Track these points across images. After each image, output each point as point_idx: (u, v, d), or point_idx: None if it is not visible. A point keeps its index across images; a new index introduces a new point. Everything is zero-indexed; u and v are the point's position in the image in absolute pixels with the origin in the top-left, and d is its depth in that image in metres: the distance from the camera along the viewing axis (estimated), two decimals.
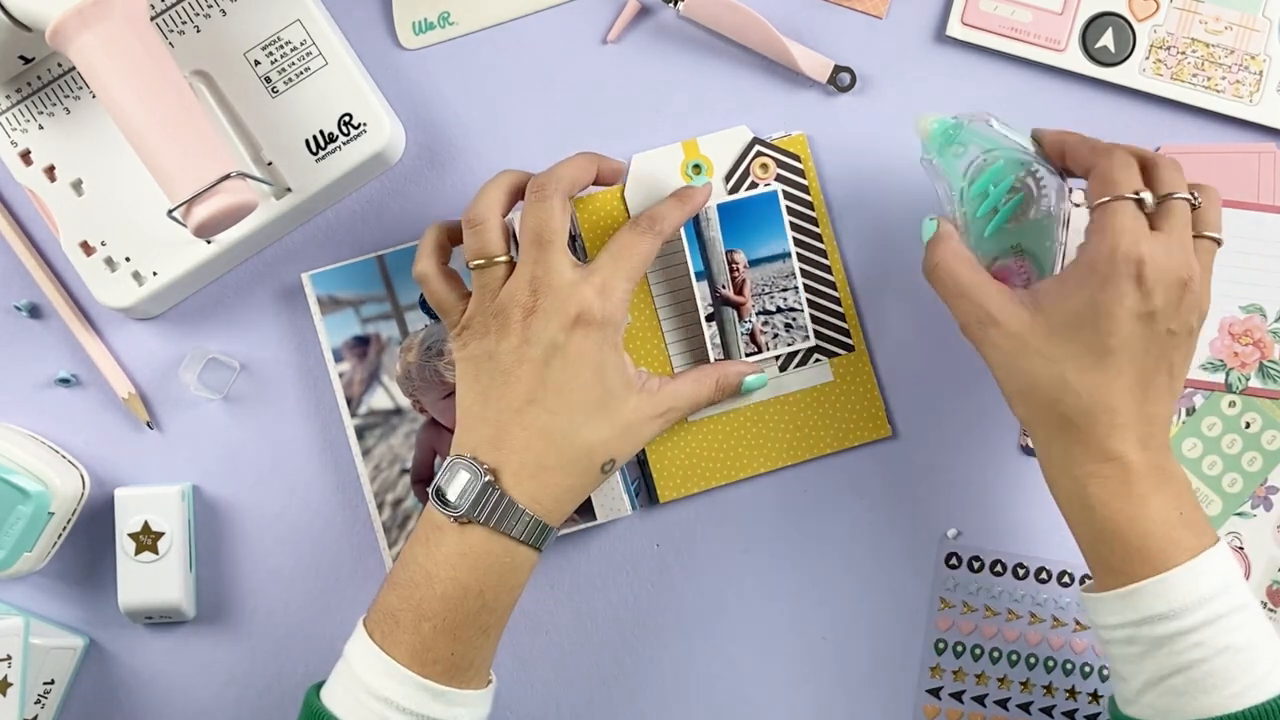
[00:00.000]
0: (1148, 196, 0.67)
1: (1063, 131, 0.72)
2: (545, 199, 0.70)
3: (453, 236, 0.74)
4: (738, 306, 0.77)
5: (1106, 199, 0.67)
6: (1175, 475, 0.67)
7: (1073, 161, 0.71)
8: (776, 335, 0.79)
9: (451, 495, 0.68)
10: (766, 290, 0.79)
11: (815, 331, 0.80)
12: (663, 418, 0.74)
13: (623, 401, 0.71)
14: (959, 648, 0.79)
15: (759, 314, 0.78)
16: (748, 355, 0.78)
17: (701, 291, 0.78)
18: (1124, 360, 0.66)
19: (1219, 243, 0.69)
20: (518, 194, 0.73)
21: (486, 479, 0.68)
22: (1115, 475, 0.66)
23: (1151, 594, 0.64)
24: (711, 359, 0.78)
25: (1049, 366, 0.66)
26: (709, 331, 0.78)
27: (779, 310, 0.79)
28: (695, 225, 0.77)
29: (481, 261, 0.70)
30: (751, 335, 0.78)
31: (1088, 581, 0.70)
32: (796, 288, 0.78)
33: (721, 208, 0.78)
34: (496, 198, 0.72)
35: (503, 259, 0.70)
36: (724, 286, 0.78)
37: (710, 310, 0.78)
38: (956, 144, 0.72)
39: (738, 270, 0.77)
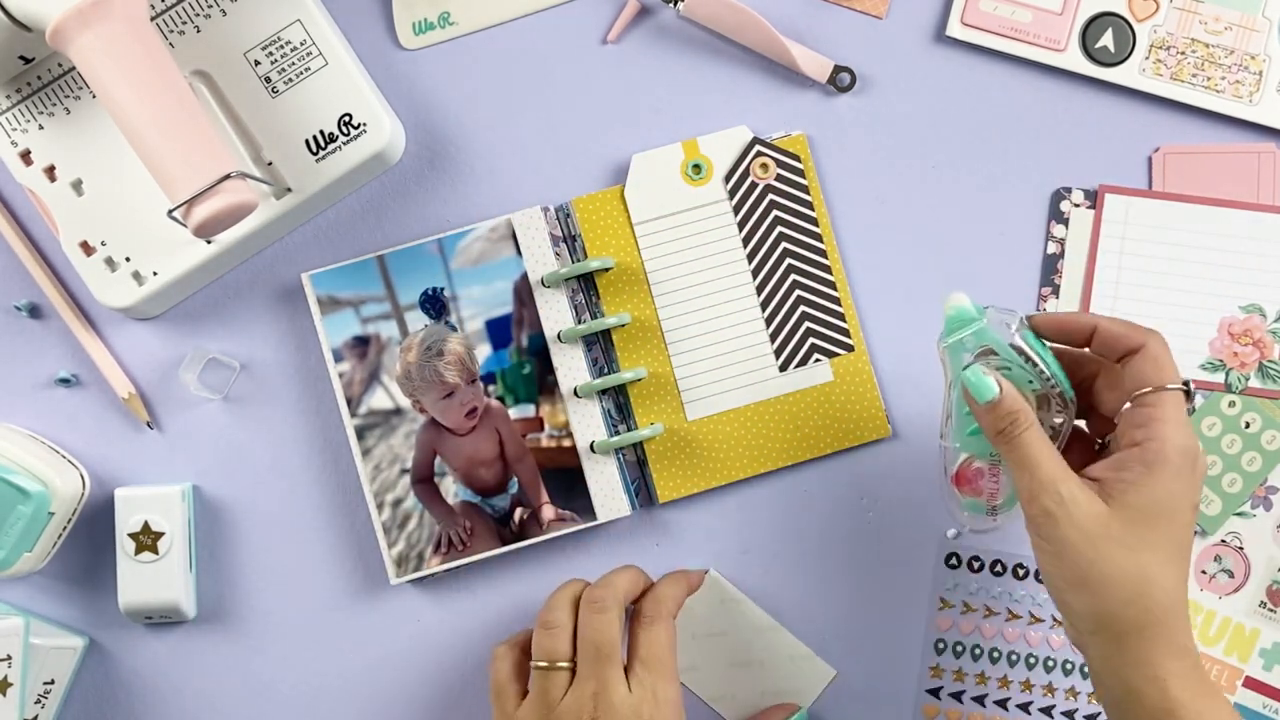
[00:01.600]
0: (1190, 386, 0.66)
1: (1084, 316, 0.68)
2: (603, 611, 0.71)
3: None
4: None
5: (1164, 387, 0.65)
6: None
7: (1107, 341, 0.67)
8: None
9: None
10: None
11: (815, 331, 0.80)
12: None
13: None
14: (959, 648, 0.79)
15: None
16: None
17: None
18: (1187, 549, 0.65)
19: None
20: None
21: None
22: (1193, 673, 0.63)
23: None
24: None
25: (1131, 556, 0.63)
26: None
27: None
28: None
29: (545, 664, 0.71)
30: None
31: None
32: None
33: None
34: (569, 604, 0.73)
35: (566, 665, 0.71)
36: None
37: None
38: (971, 341, 0.67)
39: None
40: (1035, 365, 0.66)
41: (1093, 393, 0.69)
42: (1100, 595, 0.63)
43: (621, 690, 0.70)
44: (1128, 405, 0.65)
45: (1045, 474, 0.64)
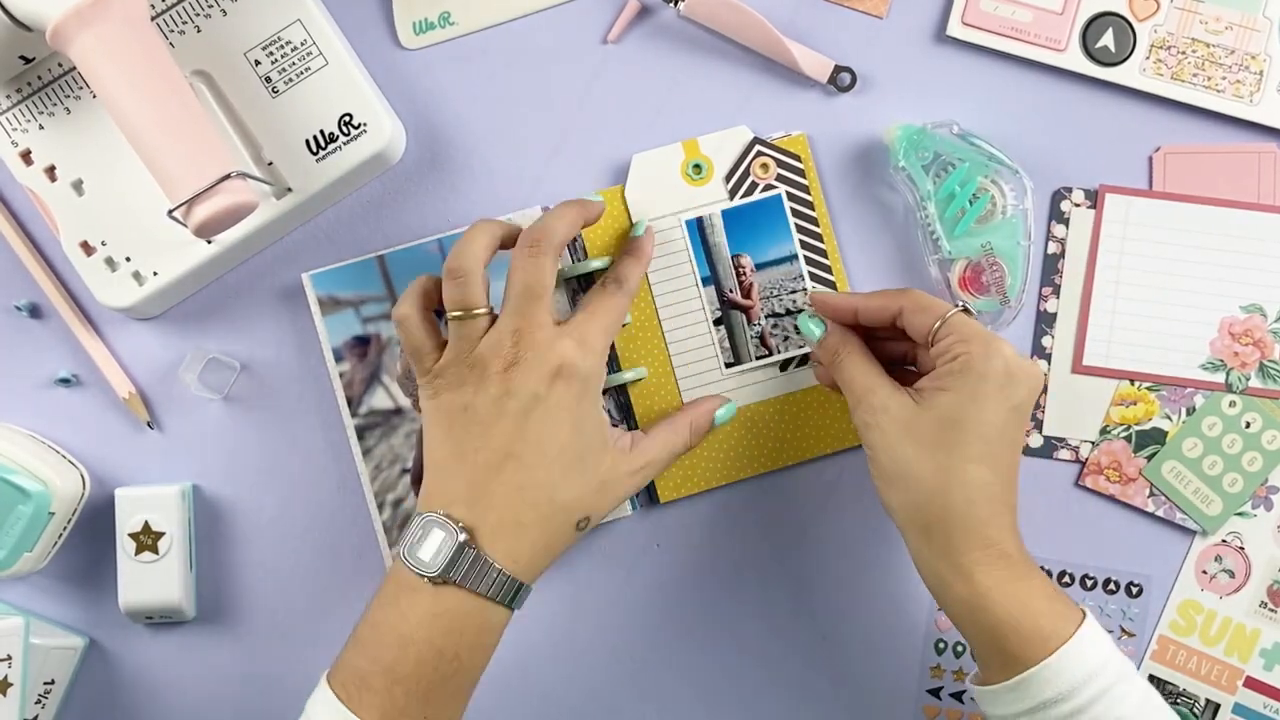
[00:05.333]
0: (961, 304, 0.73)
1: (845, 300, 0.74)
2: (539, 255, 0.70)
3: (440, 288, 0.73)
4: (746, 310, 0.78)
5: (946, 314, 0.70)
6: (1032, 558, 0.69)
7: (874, 319, 0.73)
8: (787, 338, 0.79)
9: (425, 555, 0.67)
10: (775, 293, 0.79)
11: None
12: (639, 474, 0.74)
13: (599, 458, 0.71)
14: (959, 648, 0.79)
15: (768, 317, 0.79)
16: (757, 359, 0.78)
17: (708, 296, 0.78)
18: (999, 450, 0.68)
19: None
20: (498, 245, 0.72)
21: (462, 538, 0.67)
22: (999, 561, 0.67)
23: (1042, 680, 0.65)
24: (721, 364, 0.78)
25: (934, 455, 0.68)
26: (717, 335, 0.78)
27: (788, 313, 0.79)
28: (700, 231, 0.78)
29: (460, 313, 0.70)
30: (761, 338, 0.79)
31: (974, 673, 0.70)
32: (805, 289, 0.78)
33: (727, 213, 0.78)
34: (479, 250, 0.71)
35: (483, 311, 0.70)
36: (731, 291, 0.78)
37: (718, 315, 0.78)
38: (921, 149, 0.77)
39: (745, 274, 0.78)
40: (979, 149, 0.77)
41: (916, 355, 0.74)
42: (906, 490, 0.69)
43: (548, 328, 0.69)
44: (931, 349, 0.70)
45: (862, 387, 0.71)
